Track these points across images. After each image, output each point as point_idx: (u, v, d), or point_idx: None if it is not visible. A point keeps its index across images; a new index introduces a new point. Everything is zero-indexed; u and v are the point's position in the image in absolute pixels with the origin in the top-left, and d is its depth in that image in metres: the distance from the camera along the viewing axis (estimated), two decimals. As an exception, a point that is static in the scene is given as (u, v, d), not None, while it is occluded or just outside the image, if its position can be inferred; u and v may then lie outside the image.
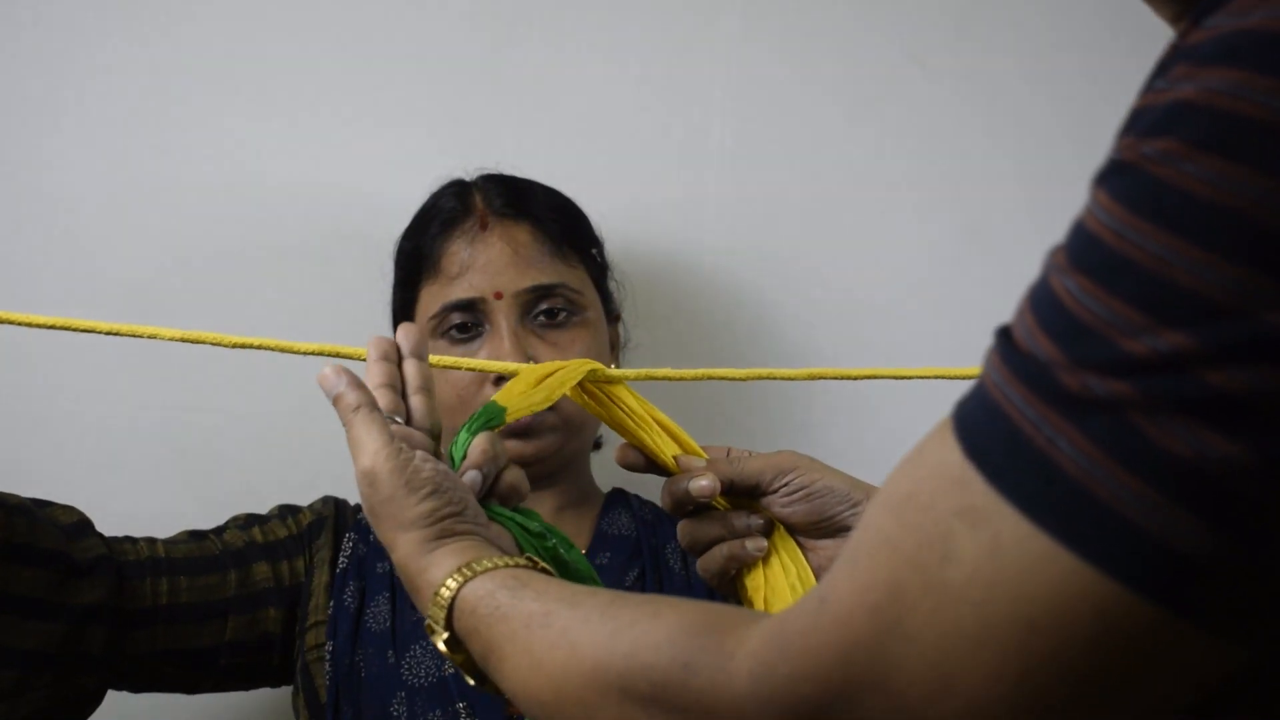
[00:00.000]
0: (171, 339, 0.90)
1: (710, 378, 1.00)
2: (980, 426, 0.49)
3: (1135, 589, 0.44)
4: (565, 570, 0.83)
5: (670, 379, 1.01)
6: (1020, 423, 0.47)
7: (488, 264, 1.18)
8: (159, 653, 1.12)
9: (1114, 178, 0.47)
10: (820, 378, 1.05)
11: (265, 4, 1.45)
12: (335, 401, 0.81)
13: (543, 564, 0.75)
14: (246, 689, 1.22)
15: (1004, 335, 0.50)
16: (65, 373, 1.39)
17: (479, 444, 0.84)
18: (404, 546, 0.75)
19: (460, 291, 1.18)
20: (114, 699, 1.14)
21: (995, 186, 1.47)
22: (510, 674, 0.66)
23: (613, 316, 1.29)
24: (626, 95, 1.47)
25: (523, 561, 0.73)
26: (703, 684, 0.54)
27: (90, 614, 1.06)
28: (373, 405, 0.80)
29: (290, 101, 1.44)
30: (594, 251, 1.26)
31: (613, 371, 0.99)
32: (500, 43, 1.46)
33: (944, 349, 1.43)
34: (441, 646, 0.71)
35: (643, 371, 1.01)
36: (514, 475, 0.85)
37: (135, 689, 1.16)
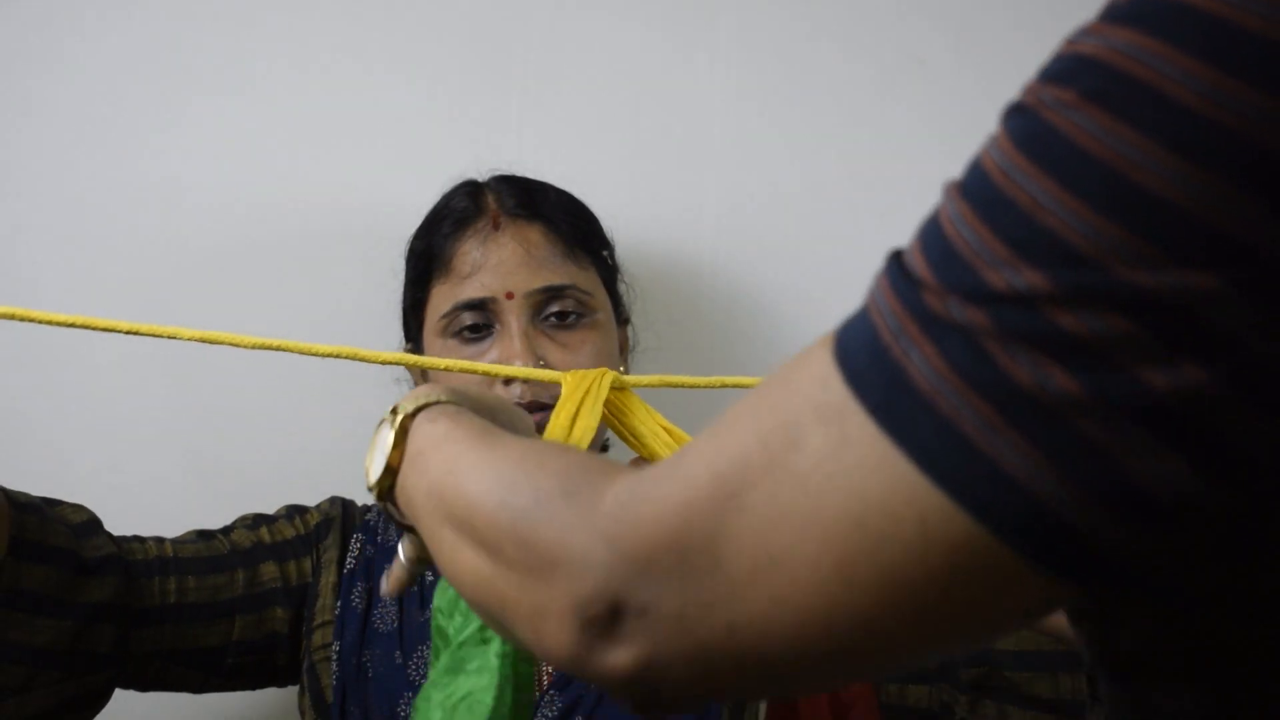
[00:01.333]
0: (191, 339, 0.89)
1: (725, 385, 1.01)
2: (852, 333, 0.51)
3: (959, 502, 0.46)
4: None
5: (686, 386, 1.01)
6: (882, 331, 0.49)
7: (499, 264, 1.19)
8: (166, 651, 1.12)
9: (1012, 118, 0.49)
10: None
11: (272, 4, 1.45)
12: None
13: None
14: (253, 689, 1.22)
15: (894, 254, 0.52)
16: (72, 372, 1.39)
17: None
18: (429, 390, 0.78)
19: (471, 291, 1.18)
20: (121, 698, 1.14)
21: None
22: (435, 468, 0.69)
23: (622, 319, 1.29)
24: (626, 96, 1.48)
25: None
26: (571, 515, 0.56)
27: (98, 612, 1.07)
28: None
29: (294, 101, 1.44)
30: (605, 254, 1.26)
31: (628, 378, 0.99)
32: (501, 44, 1.46)
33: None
34: (388, 429, 0.74)
35: (657, 378, 1.01)
36: None
37: (142, 688, 1.16)
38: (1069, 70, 0.47)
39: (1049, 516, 0.45)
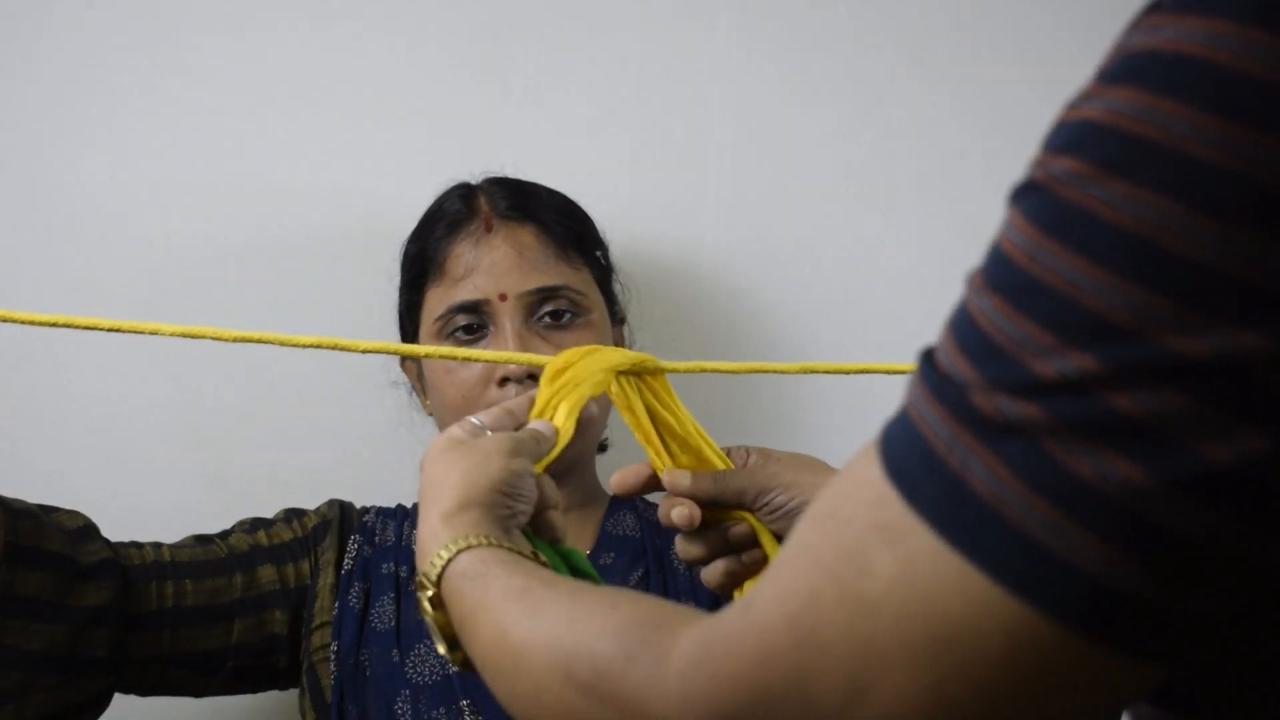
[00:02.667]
0: (172, 334, 0.90)
1: (728, 371, 0.99)
2: (900, 446, 0.49)
3: (1043, 610, 0.45)
4: None
5: (722, 371, 0.99)
6: (935, 443, 0.47)
7: (492, 266, 1.19)
8: (165, 655, 1.12)
9: (1026, 197, 0.47)
10: (809, 371, 1.05)
11: (269, 5, 1.45)
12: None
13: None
14: (254, 692, 1.23)
15: (926, 356, 0.51)
16: (74, 373, 1.39)
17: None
18: (443, 517, 0.77)
19: (465, 293, 1.19)
20: (121, 702, 1.14)
21: (995, 186, 1.46)
22: (483, 640, 0.68)
23: (617, 319, 1.29)
24: (625, 96, 1.47)
25: (528, 553, 0.75)
26: (638, 678, 0.55)
27: (95, 616, 1.07)
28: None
29: (292, 103, 1.44)
30: (598, 254, 1.26)
31: (665, 364, 0.95)
32: (500, 44, 1.46)
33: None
34: (426, 604, 0.73)
35: (695, 364, 0.99)
36: (558, 518, 0.86)
37: (142, 692, 1.16)
38: (1076, 139, 0.46)
39: (1137, 608, 0.44)
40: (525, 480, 0.80)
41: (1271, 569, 0.44)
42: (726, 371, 1.00)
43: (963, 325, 0.48)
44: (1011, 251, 0.47)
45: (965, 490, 0.46)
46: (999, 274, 0.47)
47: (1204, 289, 0.42)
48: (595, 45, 1.48)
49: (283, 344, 0.91)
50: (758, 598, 0.52)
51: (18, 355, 1.38)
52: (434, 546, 0.74)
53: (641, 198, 1.45)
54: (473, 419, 0.86)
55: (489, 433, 0.84)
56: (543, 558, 0.77)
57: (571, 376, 0.90)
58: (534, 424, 0.88)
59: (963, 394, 0.47)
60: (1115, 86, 0.45)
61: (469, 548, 0.73)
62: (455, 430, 0.84)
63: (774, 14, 1.49)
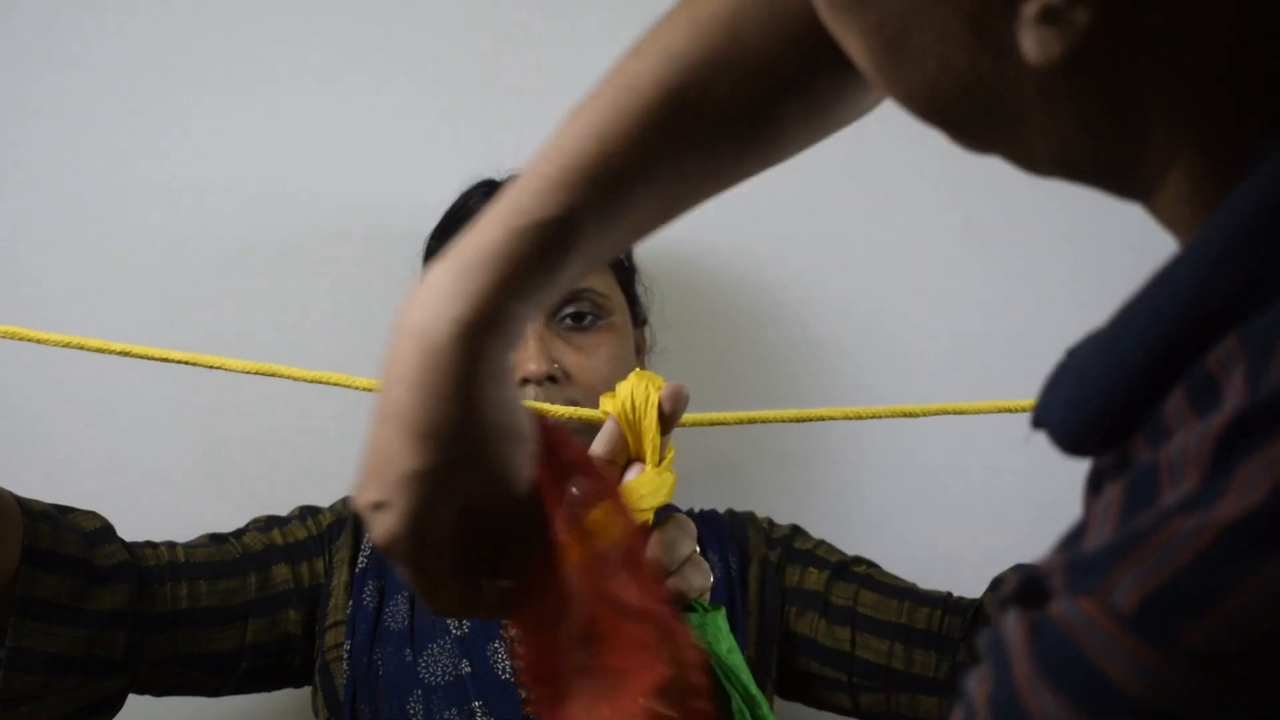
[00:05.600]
0: (180, 361, 0.89)
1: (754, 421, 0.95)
2: None
3: None
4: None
5: (716, 424, 0.93)
6: None
7: None
8: (180, 657, 1.12)
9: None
10: (804, 420, 1.00)
11: (276, 5, 1.45)
12: None
13: None
14: (268, 690, 1.23)
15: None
16: (86, 376, 1.38)
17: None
18: None
19: (486, 292, 1.18)
20: (135, 700, 1.14)
21: (995, 186, 1.47)
22: None
23: (640, 320, 1.28)
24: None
25: None
26: None
27: (112, 619, 1.06)
28: None
29: (299, 102, 1.44)
30: (621, 255, 1.24)
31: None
32: (500, 44, 1.46)
33: (944, 349, 1.43)
34: None
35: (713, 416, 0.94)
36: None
37: (157, 693, 1.15)
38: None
39: None
40: None
41: None
42: (720, 424, 0.94)
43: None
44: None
45: None
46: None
47: None
48: (600, 45, 1.47)
49: (291, 378, 0.91)
50: None
51: (24, 352, 1.38)
52: None
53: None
54: None
55: None
56: None
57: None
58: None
59: None
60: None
61: None
62: None
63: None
